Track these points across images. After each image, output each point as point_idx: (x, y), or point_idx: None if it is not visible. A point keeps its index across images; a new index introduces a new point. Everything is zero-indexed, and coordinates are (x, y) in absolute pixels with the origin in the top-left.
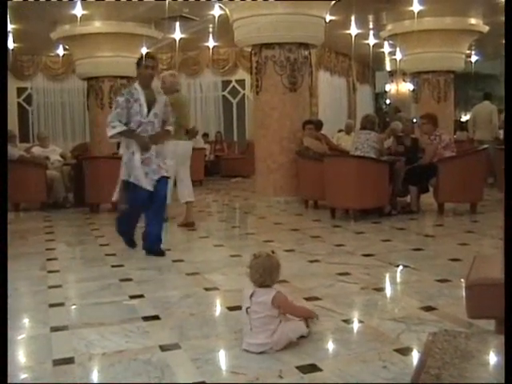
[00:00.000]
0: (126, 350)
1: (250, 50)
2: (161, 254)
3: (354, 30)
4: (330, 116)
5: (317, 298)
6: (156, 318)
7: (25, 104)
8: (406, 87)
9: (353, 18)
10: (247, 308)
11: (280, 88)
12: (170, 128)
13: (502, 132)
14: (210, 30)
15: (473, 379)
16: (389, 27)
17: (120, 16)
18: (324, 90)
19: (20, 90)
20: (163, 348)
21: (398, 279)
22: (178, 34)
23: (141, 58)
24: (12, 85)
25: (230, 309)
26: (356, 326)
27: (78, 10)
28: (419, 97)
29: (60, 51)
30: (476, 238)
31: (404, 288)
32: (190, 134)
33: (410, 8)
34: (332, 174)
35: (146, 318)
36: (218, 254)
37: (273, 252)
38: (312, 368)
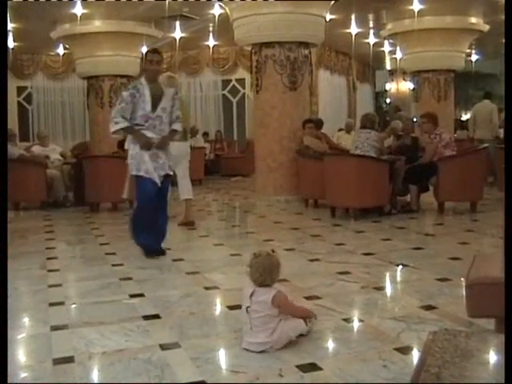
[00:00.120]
0: (126, 349)
1: (250, 48)
2: (161, 253)
3: (354, 29)
4: (330, 115)
5: (317, 297)
6: (156, 316)
7: (25, 103)
8: (406, 86)
9: (353, 16)
10: (247, 307)
11: (280, 87)
12: (177, 127)
13: (502, 131)
14: (210, 29)
15: (473, 378)
16: (389, 26)
17: (120, 15)
18: (324, 88)
19: (20, 89)
20: (163, 347)
21: (398, 278)
22: (178, 33)
23: (146, 53)
24: (12, 84)
25: (230, 308)
26: (356, 324)
27: (78, 9)
28: (419, 96)
29: (60, 50)
30: (476, 237)
31: (404, 287)
32: (190, 133)
33: (411, 7)
34: (332, 173)
35: (146, 317)
36: (218, 253)
37: (273, 251)
38: (312, 367)
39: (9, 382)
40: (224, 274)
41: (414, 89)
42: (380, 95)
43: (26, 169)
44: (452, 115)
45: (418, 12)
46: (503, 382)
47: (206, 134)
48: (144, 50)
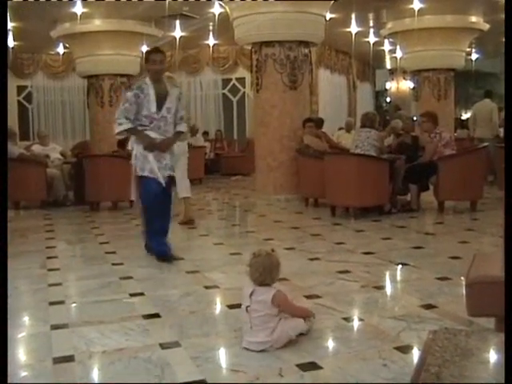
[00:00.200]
0: (126, 348)
1: (250, 48)
2: (173, 258)
3: (354, 28)
4: (330, 114)
5: (317, 296)
6: (156, 316)
7: (25, 102)
8: (406, 85)
9: (353, 15)
10: (247, 306)
11: (280, 86)
12: (182, 128)
13: (502, 130)
14: (210, 28)
15: (473, 377)
16: (389, 25)
17: (120, 14)
18: (324, 88)
19: (20, 88)
20: (163, 346)
21: (398, 277)
22: (178, 32)
23: (148, 54)
24: (12, 83)
25: (230, 307)
26: (356, 324)
27: (78, 8)
28: (419, 95)
29: (60, 49)
30: (476, 236)
31: (404, 286)
32: (191, 132)
33: (411, 6)
34: (332, 172)
35: (146, 316)
36: (218, 252)
37: (273, 250)
38: (312, 366)
39: (9, 381)
40: (224, 273)
41: (414, 88)
42: (380, 94)
43: (26, 168)
44: (452, 114)
45: (418, 11)
46: (503, 381)
47: (206, 133)
48: (144, 49)
